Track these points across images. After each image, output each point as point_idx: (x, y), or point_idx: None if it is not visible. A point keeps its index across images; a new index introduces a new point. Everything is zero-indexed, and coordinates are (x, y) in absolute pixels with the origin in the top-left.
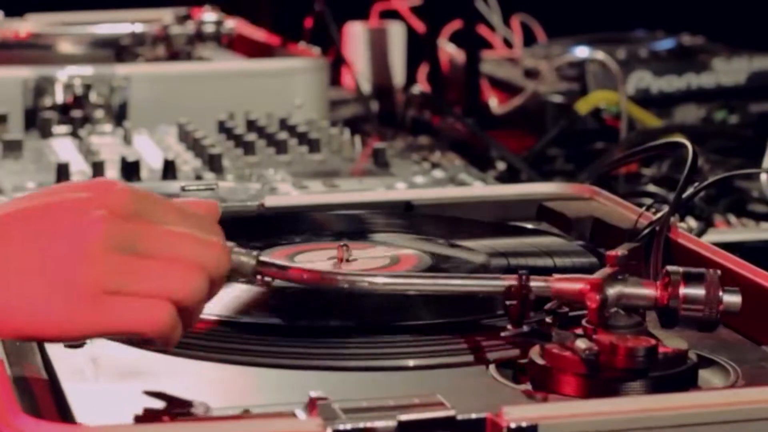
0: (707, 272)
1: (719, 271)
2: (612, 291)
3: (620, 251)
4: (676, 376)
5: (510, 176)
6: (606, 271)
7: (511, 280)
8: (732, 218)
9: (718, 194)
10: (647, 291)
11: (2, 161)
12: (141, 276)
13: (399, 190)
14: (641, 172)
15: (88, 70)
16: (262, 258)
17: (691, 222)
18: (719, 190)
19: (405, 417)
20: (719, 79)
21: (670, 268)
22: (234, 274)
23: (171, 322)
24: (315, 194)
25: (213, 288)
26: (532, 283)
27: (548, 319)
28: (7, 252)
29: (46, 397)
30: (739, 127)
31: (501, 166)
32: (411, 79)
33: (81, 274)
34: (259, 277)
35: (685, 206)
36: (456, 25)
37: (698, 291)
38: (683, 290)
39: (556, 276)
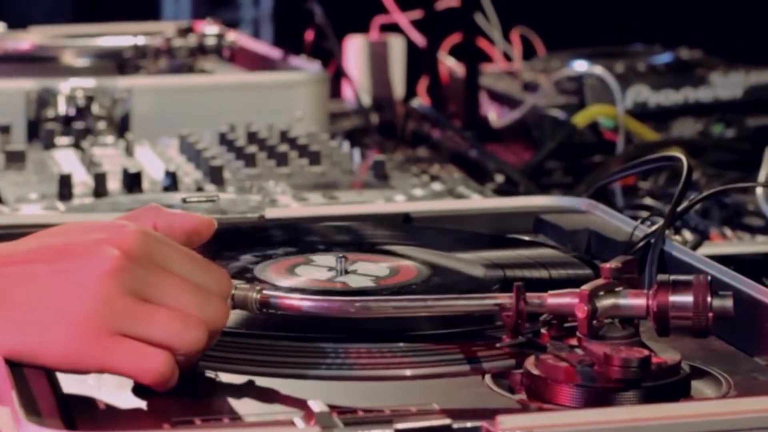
0: (695, 278)
1: (709, 277)
2: (601, 302)
3: (614, 263)
4: (669, 386)
5: (508, 189)
6: (595, 282)
7: (505, 298)
8: (727, 231)
9: (714, 207)
10: (637, 301)
11: (5, 172)
12: (144, 322)
13: (398, 203)
14: (638, 186)
15: (90, 82)
16: (266, 292)
17: (687, 235)
18: (715, 203)
19: (402, 426)
20: (716, 93)
21: (659, 276)
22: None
23: (167, 373)
24: (315, 206)
25: (211, 338)
26: (528, 298)
27: (544, 330)
28: (26, 284)
29: (49, 403)
30: (736, 141)
31: (499, 178)
32: (411, 92)
33: (89, 312)
34: (264, 310)
35: (680, 219)
36: (456, 38)
37: (686, 298)
38: (672, 298)
39: (550, 292)
